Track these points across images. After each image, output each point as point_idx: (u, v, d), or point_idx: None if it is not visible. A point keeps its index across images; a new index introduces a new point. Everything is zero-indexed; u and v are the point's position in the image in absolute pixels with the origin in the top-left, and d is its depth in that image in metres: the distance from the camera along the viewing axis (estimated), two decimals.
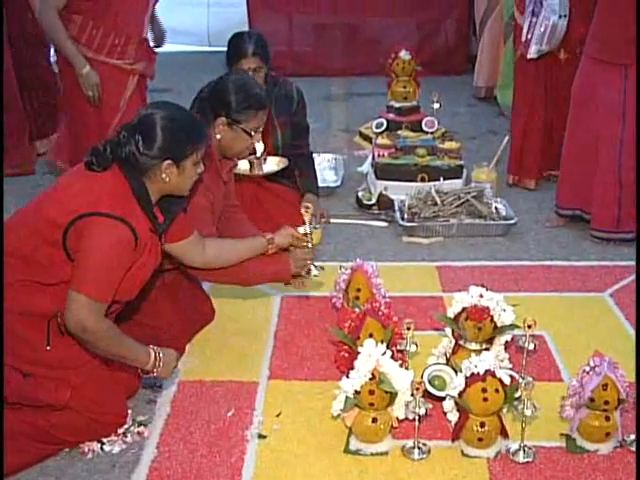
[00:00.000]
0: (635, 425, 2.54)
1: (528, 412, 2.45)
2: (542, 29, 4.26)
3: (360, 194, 4.63)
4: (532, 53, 4.39)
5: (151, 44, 4.32)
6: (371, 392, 2.48)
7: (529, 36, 4.35)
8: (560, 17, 4.22)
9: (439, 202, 4.30)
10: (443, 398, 2.61)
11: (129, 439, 2.63)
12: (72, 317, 2.31)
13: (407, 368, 2.69)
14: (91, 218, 2.30)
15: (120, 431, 2.63)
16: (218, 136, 2.95)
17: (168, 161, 2.39)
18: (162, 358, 2.53)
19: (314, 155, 4.26)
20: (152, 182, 2.42)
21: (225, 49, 3.79)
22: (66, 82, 4.19)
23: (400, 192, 4.46)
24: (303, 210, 2.98)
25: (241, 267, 2.94)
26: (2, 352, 2.38)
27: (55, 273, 2.37)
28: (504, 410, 2.56)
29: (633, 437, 2.55)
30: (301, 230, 3.00)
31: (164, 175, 2.41)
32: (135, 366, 2.53)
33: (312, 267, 3.09)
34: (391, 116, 5.50)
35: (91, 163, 2.38)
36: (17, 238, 2.38)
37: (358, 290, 3.17)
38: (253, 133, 2.97)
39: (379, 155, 4.84)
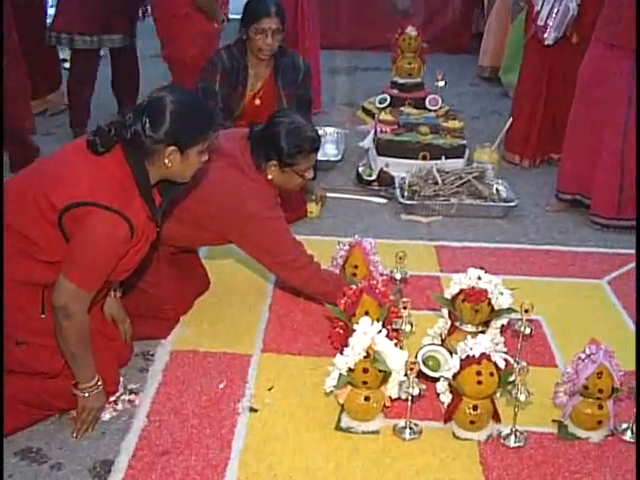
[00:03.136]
0: (635, 413, 2.54)
1: (522, 397, 2.43)
2: (562, 16, 4.22)
3: (361, 169, 4.59)
4: (550, 40, 4.36)
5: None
6: (365, 370, 2.47)
7: (549, 22, 4.30)
8: (578, 5, 4.20)
9: (440, 181, 4.27)
10: (437, 379, 2.61)
11: (120, 407, 2.62)
12: (59, 298, 2.31)
13: (402, 347, 2.68)
14: (89, 208, 2.25)
15: (111, 399, 2.62)
16: (270, 176, 2.94)
17: (172, 147, 2.33)
18: (99, 391, 2.50)
19: (316, 128, 4.21)
20: (154, 166, 2.37)
21: (238, 17, 3.74)
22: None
23: (401, 169, 4.43)
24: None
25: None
26: (2, 320, 2.36)
27: (53, 253, 2.33)
28: (497, 394, 2.55)
29: (625, 426, 2.55)
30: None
31: (167, 160, 2.35)
32: (70, 377, 2.47)
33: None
34: (395, 92, 5.47)
35: (94, 143, 2.31)
36: (18, 213, 2.32)
37: (355, 267, 3.17)
38: (304, 173, 2.97)
39: (381, 131, 4.80)
